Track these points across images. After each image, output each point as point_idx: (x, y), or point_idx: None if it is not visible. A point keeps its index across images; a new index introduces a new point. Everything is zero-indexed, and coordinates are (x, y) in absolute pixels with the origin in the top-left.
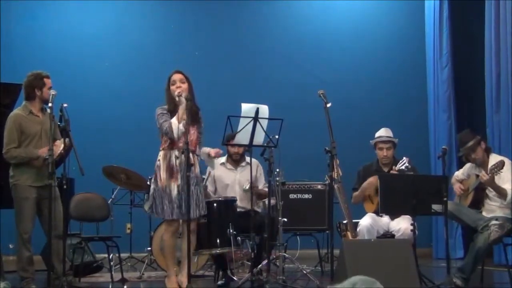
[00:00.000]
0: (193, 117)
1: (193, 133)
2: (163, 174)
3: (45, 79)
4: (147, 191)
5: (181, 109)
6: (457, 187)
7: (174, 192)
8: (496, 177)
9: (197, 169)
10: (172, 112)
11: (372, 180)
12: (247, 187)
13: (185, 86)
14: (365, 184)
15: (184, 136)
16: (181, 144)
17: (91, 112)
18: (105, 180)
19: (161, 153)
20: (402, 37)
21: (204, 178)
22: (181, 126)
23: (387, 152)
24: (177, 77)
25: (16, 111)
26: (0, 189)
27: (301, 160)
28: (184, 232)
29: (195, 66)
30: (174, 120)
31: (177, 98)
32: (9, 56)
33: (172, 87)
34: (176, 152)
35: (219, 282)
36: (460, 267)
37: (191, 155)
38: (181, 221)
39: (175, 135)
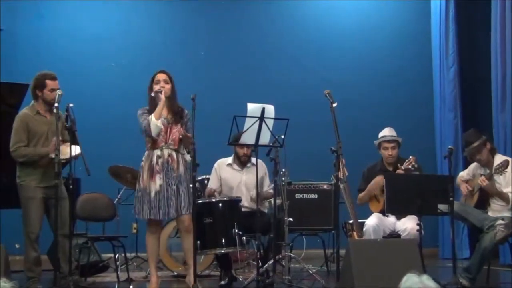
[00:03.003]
0: (175, 116)
1: (175, 131)
2: (144, 174)
3: (47, 81)
4: None
5: (160, 105)
6: (463, 187)
7: (153, 192)
8: (501, 177)
9: (180, 168)
10: (153, 111)
11: (378, 180)
12: (253, 196)
13: (168, 86)
14: (371, 184)
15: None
16: (162, 144)
17: (97, 112)
18: (111, 180)
19: (145, 154)
20: (408, 36)
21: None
22: (158, 123)
23: (392, 151)
24: (161, 76)
25: (24, 110)
26: (7, 189)
27: (307, 160)
28: (181, 231)
29: (201, 66)
30: (151, 117)
31: (153, 95)
32: (14, 56)
33: (155, 86)
34: (158, 152)
35: (222, 282)
36: (466, 267)
37: (174, 153)
38: (176, 221)
39: (153, 132)
